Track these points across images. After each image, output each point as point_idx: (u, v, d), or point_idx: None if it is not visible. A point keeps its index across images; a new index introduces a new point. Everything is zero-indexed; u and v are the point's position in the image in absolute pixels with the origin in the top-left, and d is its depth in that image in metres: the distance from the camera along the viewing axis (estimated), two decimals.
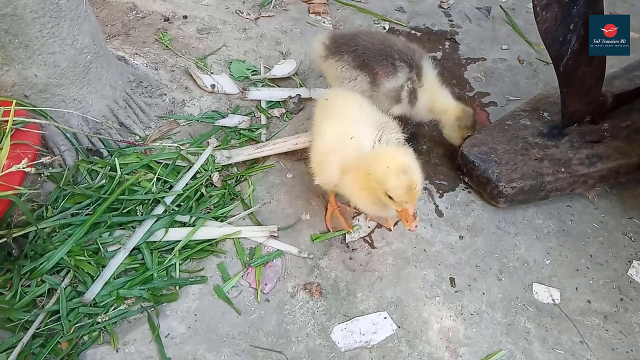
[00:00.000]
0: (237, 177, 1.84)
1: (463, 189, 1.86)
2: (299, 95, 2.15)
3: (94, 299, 1.44)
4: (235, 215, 1.70)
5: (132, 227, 1.62)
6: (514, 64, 2.44)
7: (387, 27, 2.59)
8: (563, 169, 1.73)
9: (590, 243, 1.71)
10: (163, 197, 1.67)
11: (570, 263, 1.66)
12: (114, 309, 1.45)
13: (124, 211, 1.64)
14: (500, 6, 2.76)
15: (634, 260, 1.67)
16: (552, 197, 1.79)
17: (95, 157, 1.80)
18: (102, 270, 1.49)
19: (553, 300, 1.56)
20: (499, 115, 2.07)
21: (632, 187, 1.89)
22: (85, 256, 1.51)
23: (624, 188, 1.88)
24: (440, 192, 1.85)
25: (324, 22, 2.63)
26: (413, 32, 2.60)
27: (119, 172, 1.72)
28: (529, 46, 2.53)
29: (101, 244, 1.54)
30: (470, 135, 1.84)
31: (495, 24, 2.67)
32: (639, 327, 1.50)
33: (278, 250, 1.62)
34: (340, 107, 1.51)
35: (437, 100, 1.79)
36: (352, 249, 1.64)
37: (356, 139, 1.39)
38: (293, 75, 2.29)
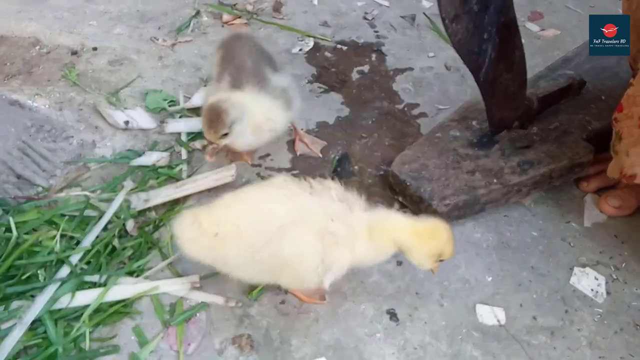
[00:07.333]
0: (155, 222, 1.67)
1: (399, 210, 1.77)
2: None
3: None
4: (152, 268, 1.54)
5: (32, 295, 1.43)
6: (441, 71, 2.40)
7: (311, 44, 2.49)
8: (495, 180, 1.68)
9: (530, 254, 1.66)
10: (68, 257, 1.49)
11: (512, 278, 1.59)
12: None
13: (24, 277, 1.45)
14: (424, 13, 2.72)
15: (575, 267, 1.62)
16: (489, 209, 1.73)
17: None
18: None
19: (498, 321, 1.48)
20: (430, 126, 2.00)
21: (567, 189, 1.86)
22: None
23: (559, 191, 1.84)
24: None
25: None
26: (339, 46, 2.52)
27: (14, 232, 1.52)
28: (454, 51, 2.48)
29: None
30: None
31: (421, 32, 2.63)
32: (586, 339, 1.45)
33: (202, 302, 1.47)
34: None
35: None
36: (285, 291, 1.51)
37: None
38: None
